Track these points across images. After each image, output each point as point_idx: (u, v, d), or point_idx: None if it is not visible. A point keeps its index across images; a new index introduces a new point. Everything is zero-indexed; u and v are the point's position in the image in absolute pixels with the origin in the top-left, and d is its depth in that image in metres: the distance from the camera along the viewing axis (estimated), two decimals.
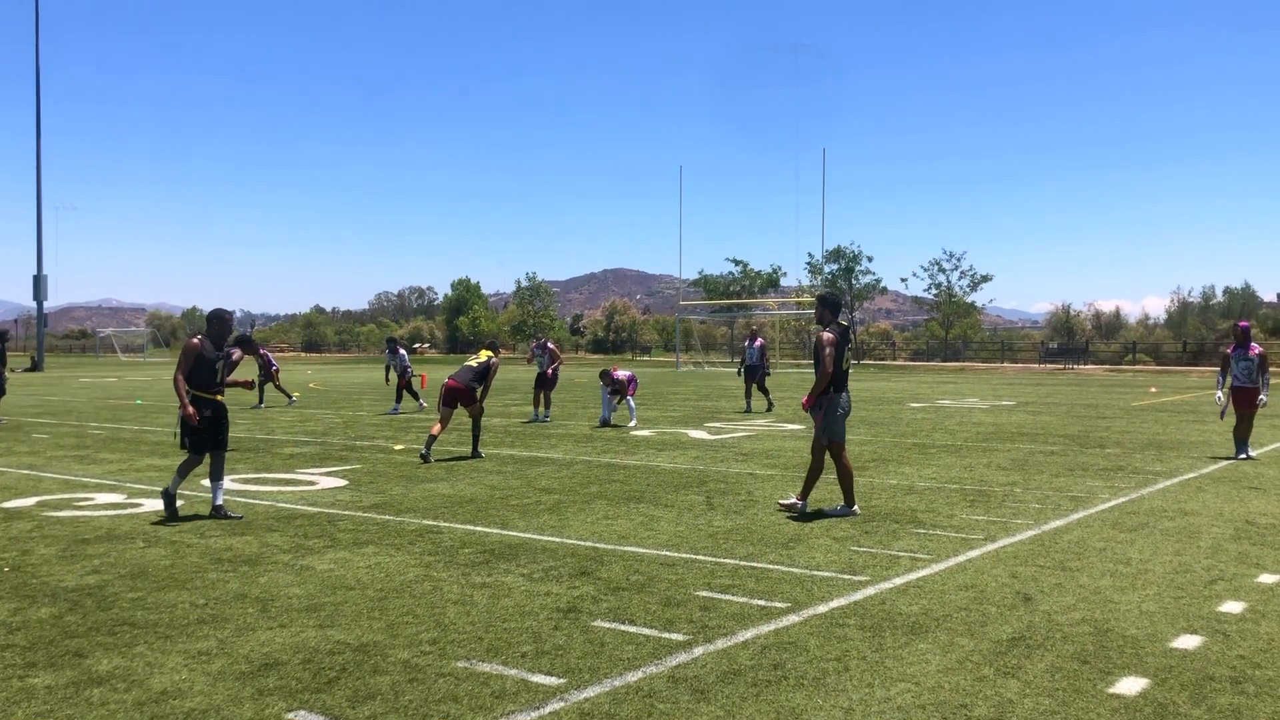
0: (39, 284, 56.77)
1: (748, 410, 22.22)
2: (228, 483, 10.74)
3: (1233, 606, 6.15)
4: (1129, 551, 7.66)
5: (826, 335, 9.03)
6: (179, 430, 9.08)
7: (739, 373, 24.39)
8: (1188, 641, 5.45)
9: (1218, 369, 14.60)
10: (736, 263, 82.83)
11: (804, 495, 9.20)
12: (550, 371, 19.72)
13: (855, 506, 9.16)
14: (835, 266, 78.08)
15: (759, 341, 22.64)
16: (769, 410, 22.14)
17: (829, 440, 9.10)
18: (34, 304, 58.91)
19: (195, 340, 9.20)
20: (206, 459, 9.20)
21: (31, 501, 9.95)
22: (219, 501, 9.06)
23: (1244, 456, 13.60)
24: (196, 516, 9.07)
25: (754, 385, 22.54)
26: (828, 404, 9.04)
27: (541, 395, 19.83)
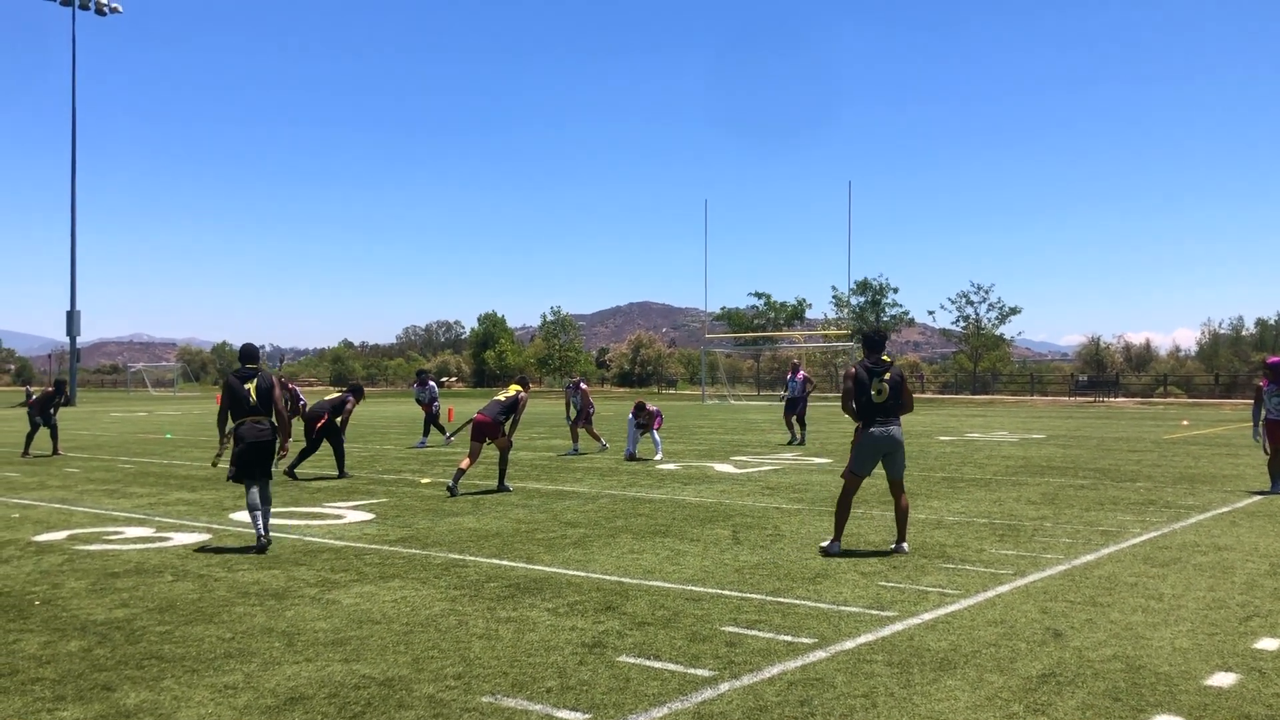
0: (72, 319, 57.58)
1: (792, 441, 22.46)
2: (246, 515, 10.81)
3: (1269, 644, 6.04)
4: (1161, 587, 7.55)
5: (851, 369, 9.11)
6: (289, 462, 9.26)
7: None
8: (1222, 679, 5.36)
9: (1252, 403, 14.41)
10: (759, 296, 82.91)
11: (837, 536, 9.03)
12: (584, 411, 20.09)
13: (905, 544, 9.08)
14: (862, 299, 77.94)
15: (801, 374, 22.81)
16: (800, 444, 22.07)
17: (851, 471, 9.05)
18: (67, 339, 59.76)
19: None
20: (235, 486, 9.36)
21: (62, 535, 10.04)
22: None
23: None
24: (224, 550, 9.12)
25: (794, 417, 22.70)
26: (859, 438, 9.01)
27: (579, 430, 20.23)
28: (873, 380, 8.97)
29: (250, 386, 9.35)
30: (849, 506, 9.07)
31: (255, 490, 9.25)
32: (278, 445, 9.46)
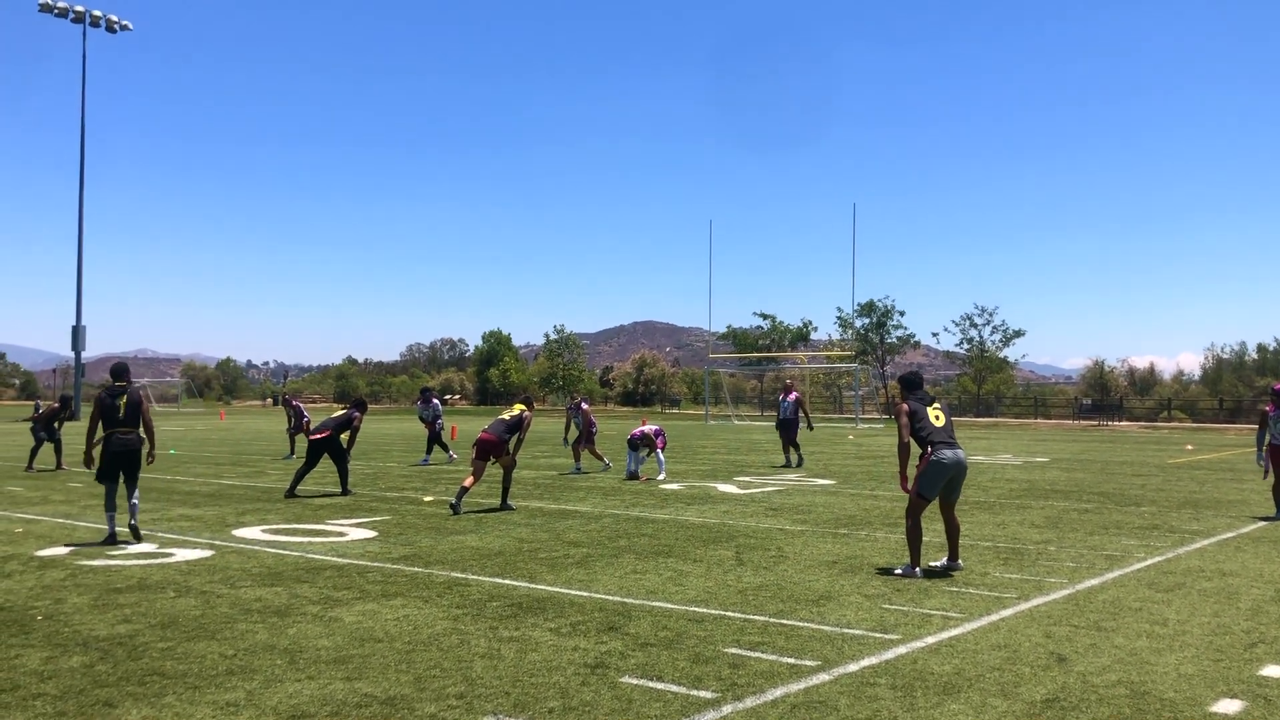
0: (77, 335, 57.75)
1: (786, 464, 22.11)
2: (257, 532, 11.17)
3: (1274, 670, 6.02)
4: (1166, 612, 7.53)
5: (903, 405, 9.21)
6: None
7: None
8: (1228, 706, 5.33)
9: (1256, 428, 14.40)
10: (764, 317, 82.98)
11: (915, 561, 8.98)
12: (587, 431, 20.07)
13: (959, 560, 9.29)
14: (866, 321, 77.98)
15: (793, 395, 22.41)
16: (799, 466, 21.99)
17: (918, 495, 9.05)
18: (72, 354, 59.90)
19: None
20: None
21: (65, 550, 10.04)
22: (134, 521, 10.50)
23: None
24: (227, 566, 9.12)
25: (788, 440, 22.30)
26: (927, 463, 9.04)
27: (582, 450, 20.21)
28: (928, 408, 9.16)
29: (121, 402, 10.37)
30: (920, 528, 9.09)
31: (115, 490, 10.46)
32: (146, 453, 10.54)
